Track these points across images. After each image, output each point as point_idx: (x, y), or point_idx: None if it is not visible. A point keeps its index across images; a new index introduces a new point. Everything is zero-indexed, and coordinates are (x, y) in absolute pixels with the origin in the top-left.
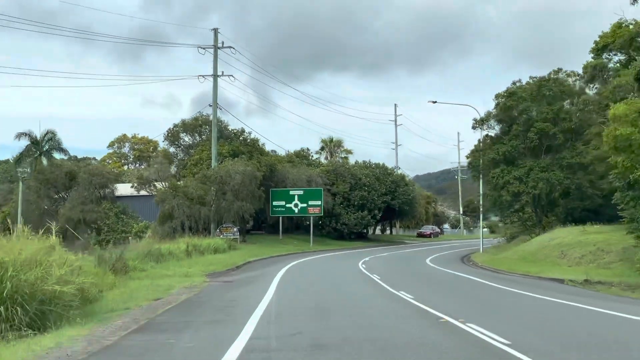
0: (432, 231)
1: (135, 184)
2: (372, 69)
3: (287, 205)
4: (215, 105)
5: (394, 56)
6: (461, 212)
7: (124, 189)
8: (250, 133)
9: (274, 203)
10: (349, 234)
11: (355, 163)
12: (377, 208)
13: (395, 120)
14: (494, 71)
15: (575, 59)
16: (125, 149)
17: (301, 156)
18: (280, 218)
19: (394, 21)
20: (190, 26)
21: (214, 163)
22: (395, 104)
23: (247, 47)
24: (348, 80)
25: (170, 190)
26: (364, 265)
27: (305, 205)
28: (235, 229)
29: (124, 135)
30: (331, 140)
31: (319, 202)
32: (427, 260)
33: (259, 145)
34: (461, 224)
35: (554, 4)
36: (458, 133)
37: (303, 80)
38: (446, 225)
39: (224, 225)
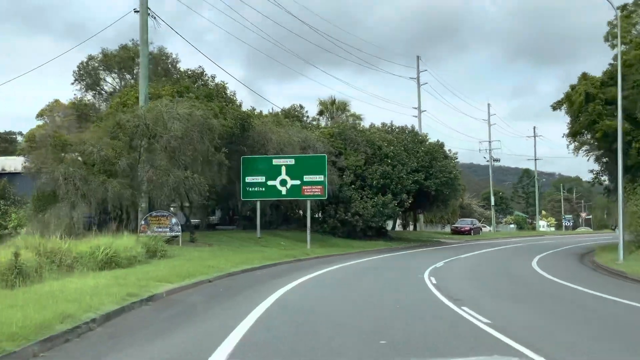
0: (471, 226)
1: (24, 150)
2: (367, 66)
3: (269, 183)
4: (145, 8)
5: (388, 52)
6: (492, 203)
7: (13, 162)
8: (214, 77)
9: (247, 180)
10: (363, 230)
11: (372, 126)
12: (405, 191)
13: (418, 78)
14: (490, 67)
15: (578, 53)
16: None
17: (292, 116)
18: (258, 204)
19: (388, 17)
20: (181, 20)
21: (142, 105)
22: (418, 56)
23: (240, 43)
24: (343, 77)
25: (53, 150)
26: (467, 309)
27: (298, 182)
28: (174, 221)
29: (57, 101)
30: (333, 102)
31: (320, 178)
32: (551, 277)
33: (226, 93)
34: (492, 219)
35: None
36: (489, 105)
37: (297, 76)
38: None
39: (153, 214)
